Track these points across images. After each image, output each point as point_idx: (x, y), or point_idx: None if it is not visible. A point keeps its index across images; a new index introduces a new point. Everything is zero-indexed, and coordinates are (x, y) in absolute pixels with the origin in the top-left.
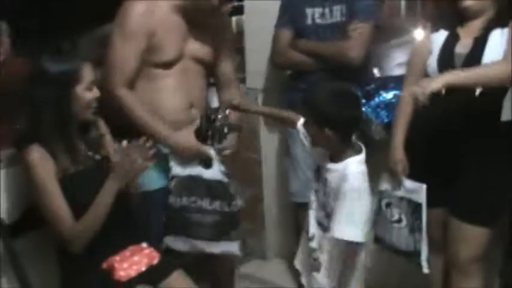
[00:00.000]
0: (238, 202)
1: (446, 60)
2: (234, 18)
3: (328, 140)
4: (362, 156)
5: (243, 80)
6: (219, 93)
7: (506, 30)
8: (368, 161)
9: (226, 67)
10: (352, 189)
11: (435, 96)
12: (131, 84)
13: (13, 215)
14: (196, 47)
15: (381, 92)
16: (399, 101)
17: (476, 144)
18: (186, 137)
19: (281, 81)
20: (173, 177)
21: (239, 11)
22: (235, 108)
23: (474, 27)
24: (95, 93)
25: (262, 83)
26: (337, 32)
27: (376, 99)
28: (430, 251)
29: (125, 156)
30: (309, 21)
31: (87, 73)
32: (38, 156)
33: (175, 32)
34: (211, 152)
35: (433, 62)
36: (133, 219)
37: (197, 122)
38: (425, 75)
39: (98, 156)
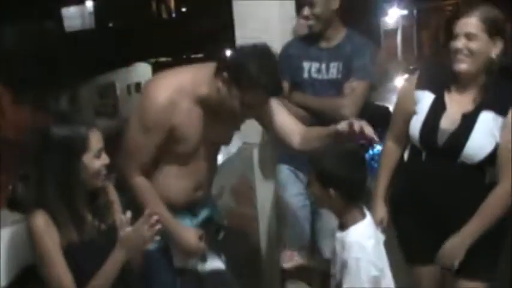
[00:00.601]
0: None
1: (430, 134)
2: None
3: (332, 200)
4: (366, 222)
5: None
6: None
7: (501, 120)
8: None
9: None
10: (351, 260)
11: (418, 162)
12: (148, 170)
13: (6, 278)
14: (215, 135)
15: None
16: (381, 152)
17: (463, 204)
18: (190, 237)
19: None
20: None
21: None
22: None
23: (464, 99)
24: (104, 159)
25: (258, 137)
26: (332, 88)
27: (370, 152)
28: None
29: (133, 229)
30: (306, 74)
31: (95, 140)
32: (43, 223)
33: (197, 125)
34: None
35: (416, 127)
36: (133, 280)
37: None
38: (407, 133)
39: (104, 226)
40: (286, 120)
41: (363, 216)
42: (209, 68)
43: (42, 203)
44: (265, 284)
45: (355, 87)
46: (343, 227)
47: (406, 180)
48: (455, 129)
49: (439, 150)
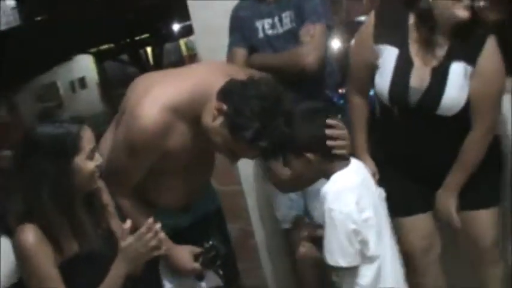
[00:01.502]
0: None
1: (400, 94)
2: (182, 41)
3: (313, 165)
4: (348, 170)
5: None
6: None
7: (470, 69)
8: None
9: None
10: (326, 212)
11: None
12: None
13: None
14: (206, 141)
15: None
16: (349, 109)
17: (443, 154)
18: (185, 258)
19: None
20: None
21: (188, 31)
22: None
23: (430, 52)
24: (97, 159)
25: None
26: (291, 41)
27: None
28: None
29: (135, 239)
30: (261, 34)
31: (87, 139)
32: (35, 239)
33: (193, 144)
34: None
35: (383, 85)
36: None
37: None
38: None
39: (99, 231)
40: None
41: (346, 163)
42: (210, 81)
43: (33, 216)
44: (263, 263)
45: (312, 32)
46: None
47: (381, 137)
48: (427, 86)
49: (412, 109)
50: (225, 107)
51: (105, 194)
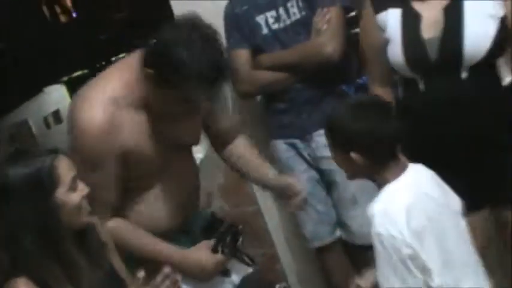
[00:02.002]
0: None
1: (416, 52)
2: None
3: (358, 166)
4: (402, 180)
5: None
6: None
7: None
8: None
9: (221, 123)
10: (374, 237)
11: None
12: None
13: None
14: (176, 137)
15: None
16: None
17: (488, 119)
18: (202, 257)
19: (253, 110)
20: None
21: None
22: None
23: None
24: (82, 190)
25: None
26: (302, 32)
27: None
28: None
29: None
30: (265, 30)
31: (64, 169)
32: None
33: (150, 134)
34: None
35: (397, 54)
36: None
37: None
38: (389, 66)
39: (100, 273)
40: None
41: (403, 168)
42: (134, 63)
43: (20, 269)
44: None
45: (327, 17)
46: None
47: (410, 124)
48: (441, 31)
49: (436, 66)
50: (150, 70)
51: (102, 230)
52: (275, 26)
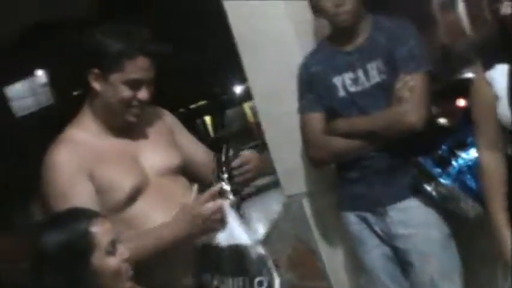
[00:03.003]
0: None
1: None
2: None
3: None
4: None
5: (276, 185)
6: None
7: None
8: (468, 251)
9: (203, 155)
10: None
11: None
12: None
13: None
14: (157, 158)
15: (458, 152)
16: (480, 168)
17: None
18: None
19: (327, 178)
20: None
21: (232, 101)
22: None
23: None
24: (122, 254)
25: (303, 185)
26: (381, 97)
27: (455, 164)
28: None
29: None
30: (342, 92)
31: (102, 232)
32: None
33: (120, 157)
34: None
35: (504, 111)
36: None
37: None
38: (499, 125)
39: None
40: None
41: None
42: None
43: None
44: None
45: (411, 84)
46: None
47: None
48: None
49: None
50: (95, 70)
51: None
52: (352, 89)
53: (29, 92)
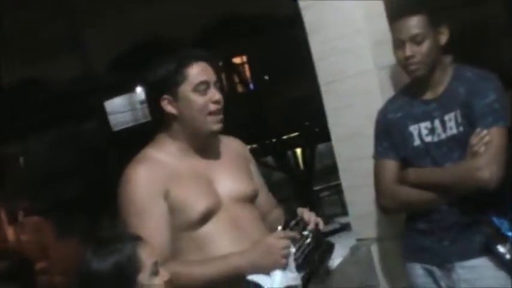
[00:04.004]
0: None
1: None
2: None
3: None
4: None
5: (346, 228)
6: None
7: None
8: None
9: (263, 198)
10: None
11: None
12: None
13: None
14: (232, 184)
15: None
16: None
17: None
18: (265, 239)
19: (398, 225)
20: None
21: (324, 136)
22: None
23: None
24: (164, 276)
25: (373, 230)
26: (456, 149)
27: None
28: None
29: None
30: (417, 141)
31: (147, 254)
32: None
33: (196, 179)
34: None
35: None
36: None
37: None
38: None
39: None
40: None
41: None
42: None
43: None
44: None
45: (487, 139)
46: None
47: None
48: None
49: None
50: (166, 96)
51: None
52: (428, 139)
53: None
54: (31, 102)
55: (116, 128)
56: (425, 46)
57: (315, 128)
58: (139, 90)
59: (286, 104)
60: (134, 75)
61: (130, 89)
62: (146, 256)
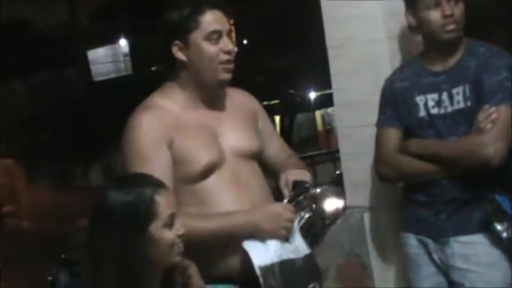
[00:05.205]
0: None
1: None
2: (318, 113)
3: None
4: None
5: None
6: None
7: None
8: None
9: (276, 149)
10: None
11: None
12: None
13: None
14: (236, 139)
15: None
16: None
17: None
18: (274, 205)
19: (392, 196)
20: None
21: (327, 102)
22: None
23: None
24: (178, 230)
25: (367, 199)
26: (461, 123)
27: None
28: None
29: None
30: (422, 112)
31: (164, 204)
32: None
33: (201, 131)
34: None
35: None
36: None
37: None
38: None
39: None
40: None
41: None
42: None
43: None
44: None
45: (494, 116)
46: None
47: None
48: None
49: None
50: (177, 42)
51: (194, 273)
52: (434, 111)
53: (110, 58)
54: (16, 43)
55: (96, 78)
56: (461, 5)
57: (297, 97)
58: (123, 42)
59: (269, 70)
60: (120, 25)
61: (115, 40)
62: (163, 205)
